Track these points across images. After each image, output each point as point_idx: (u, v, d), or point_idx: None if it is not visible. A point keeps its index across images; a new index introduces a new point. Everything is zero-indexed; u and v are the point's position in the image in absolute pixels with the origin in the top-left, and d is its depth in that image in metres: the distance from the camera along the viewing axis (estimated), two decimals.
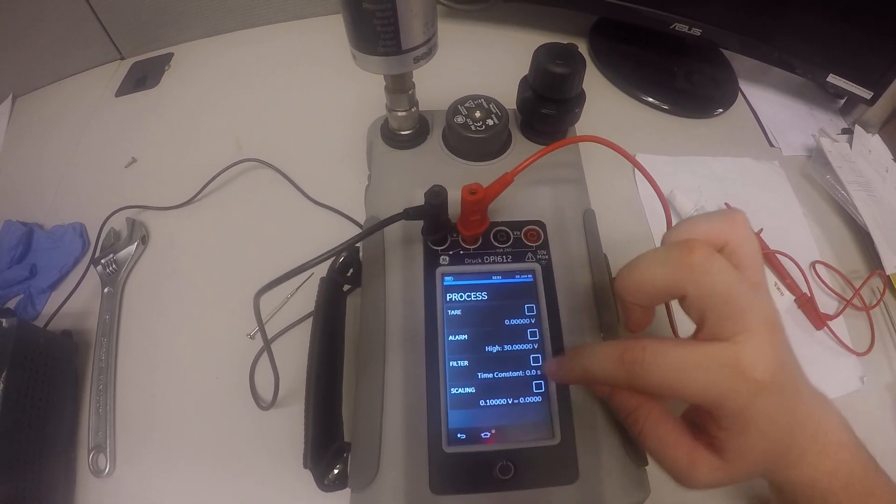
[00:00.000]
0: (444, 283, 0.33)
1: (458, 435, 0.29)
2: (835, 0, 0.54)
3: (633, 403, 0.27)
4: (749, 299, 0.23)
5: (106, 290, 0.47)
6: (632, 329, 0.29)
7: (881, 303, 0.49)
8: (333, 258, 0.35)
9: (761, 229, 0.51)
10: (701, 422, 0.26)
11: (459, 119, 0.36)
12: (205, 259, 0.49)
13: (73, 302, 0.46)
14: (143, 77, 0.64)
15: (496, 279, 0.33)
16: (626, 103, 0.64)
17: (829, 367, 0.46)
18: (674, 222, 0.29)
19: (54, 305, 0.46)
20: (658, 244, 0.27)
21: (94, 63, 0.66)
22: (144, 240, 0.50)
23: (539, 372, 0.31)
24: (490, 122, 0.36)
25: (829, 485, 0.26)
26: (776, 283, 0.49)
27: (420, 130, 0.38)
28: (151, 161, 0.56)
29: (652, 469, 0.28)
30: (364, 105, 0.44)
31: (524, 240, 0.34)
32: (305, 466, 0.30)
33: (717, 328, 0.23)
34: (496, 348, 0.31)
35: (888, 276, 0.50)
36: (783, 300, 0.48)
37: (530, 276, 0.33)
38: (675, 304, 0.27)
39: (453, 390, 0.30)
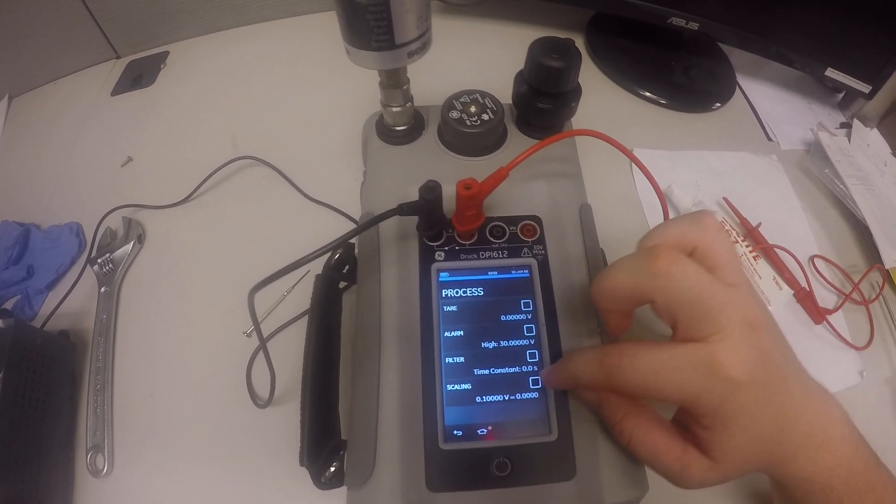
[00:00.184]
0: (440, 279, 0.32)
1: (455, 431, 0.29)
2: None
3: (620, 413, 0.27)
4: (722, 299, 0.23)
5: (103, 289, 0.47)
6: (611, 333, 0.30)
7: (880, 297, 0.49)
8: (329, 255, 0.35)
9: (759, 223, 0.51)
10: (686, 422, 0.26)
11: (454, 114, 0.36)
12: (201, 257, 0.49)
13: (70, 302, 0.46)
14: (139, 76, 0.64)
15: (492, 275, 0.33)
16: (624, 98, 0.63)
17: (829, 362, 0.46)
18: (671, 217, 0.29)
19: (51, 305, 0.45)
20: None
21: (89, 62, 0.65)
22: (141, 239, 0.50)
23: (535, 368, 0.30)
24: (485, 116, 0.36)
25: (829, 480, 0.25)
26: (774, 278, 0.49)
27: (415, 126, 0.38)
28: (147, 160, 0.56)
29: None
30: (359, 101, 0.44)
31: (520, 235, 0.34)
32: (302, 464, 0.30)
33: (691, 330, 0.24)
34: (492, 344, 0.31)
35: (887, 270, 0.50)
36: (782, 294, 0.48)
37: (526, 271, 0.33)
38: None
39: (449, 387, 0.30)
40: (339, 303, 0.37)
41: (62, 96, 0.63)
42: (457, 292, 0.32)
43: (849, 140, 0.60)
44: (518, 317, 0.32)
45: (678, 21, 0.60)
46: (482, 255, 0.33)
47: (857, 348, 0.46)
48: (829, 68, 0.58)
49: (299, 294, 0.46)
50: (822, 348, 0.46)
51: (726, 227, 0.50)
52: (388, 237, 0.34)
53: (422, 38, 0.30)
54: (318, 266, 0.34)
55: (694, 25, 0.60)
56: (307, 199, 0.52)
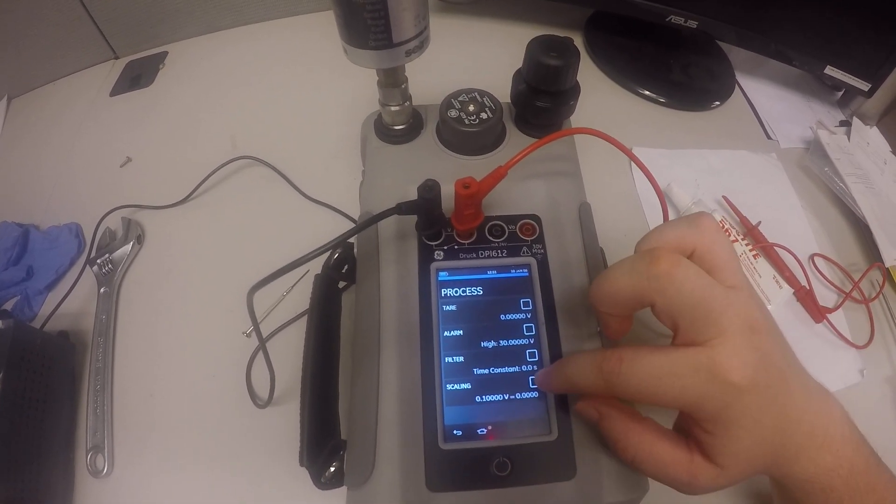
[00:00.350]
0: (439, 279, 0.32)
1: (455, 431, 0.29)
2: None
3: (621, 430, 0.26)
4: (722, 302, 0.23)
5: (102, 290, 0.47)
6: (611, 337, 0.29)
7: (880, 295, 0.49)
8: (328, 255, 0.35)
9: (759, 222, 0.51)
10: (687, 427, 0.26)
11: (453, 113, 0.36)
12: (200, 257, 0.49)
13: (70, 302, 0.46)
14: (138, 76, 0.64)
15: (491, 274, 0.33)
16: (623, 96, 0.63)
17: (829, 361, 0.46)
18: (671, 216, 0.29)
19: (51, 306, 0.45)
20: None
21: (88, 63, 0.65)
22: (140, 239, 0.50)
23: (535, 367, 0.30)
24: (484, 115, 0.36)
25: (830, 480, 0.25)
26: (774, 276, 0.48)
27: (414, 125, 0.38)
28: (147, 160, 0.56)
29: None
30: (358, 101, 0.44)
31: (519, 234, 0.34)
32: (302, 464, 0.30)
33: (691, 333, 0.23)
34: (492, 344, 0.31)
35: (887, 268, 0.49)
36: (782, 293, 0.48)
37: (526, 270, 0.33)
38: None
39: (449, 386, 0.30)
40: (339, 302, 0.37)
41: (61, 97, 0.63)
42: (456, 291, 0.32)
43: (848, 138, 0.60)
44: (517, 316, 0.32)
45: (677, 19, 0.60)
46: (481, 254, 0.33)
47: (857, 347, 0.46)
48: (828, 66, 0.58)
49: (298, 294, 0.46)
50: (822, 347, 0.46)
51: (726, 226, 0.50)
52: (387, 236, 0.34)
53: (420, 36, 0.30)
54: (317, 266, 0.34)
55: (693, 23, 0.60)
56: (306, 198, 0.52)
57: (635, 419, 0.26)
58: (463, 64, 0.62)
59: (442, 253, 0.33)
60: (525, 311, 0.32)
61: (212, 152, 0.54)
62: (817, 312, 0.47)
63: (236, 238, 0.50)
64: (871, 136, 0.62)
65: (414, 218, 0.33)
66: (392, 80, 0.34)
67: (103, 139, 0.58)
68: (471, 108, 0.36)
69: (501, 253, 0.33)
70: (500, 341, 0.31)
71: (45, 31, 0.60)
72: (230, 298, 0.45)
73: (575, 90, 0.37)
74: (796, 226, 0.54)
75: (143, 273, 0.49)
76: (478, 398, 0.30)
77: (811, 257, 0.51)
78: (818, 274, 0.50)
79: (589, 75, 0.65)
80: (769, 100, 0.66)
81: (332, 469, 0.31)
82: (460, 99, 0.36)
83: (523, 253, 0.33)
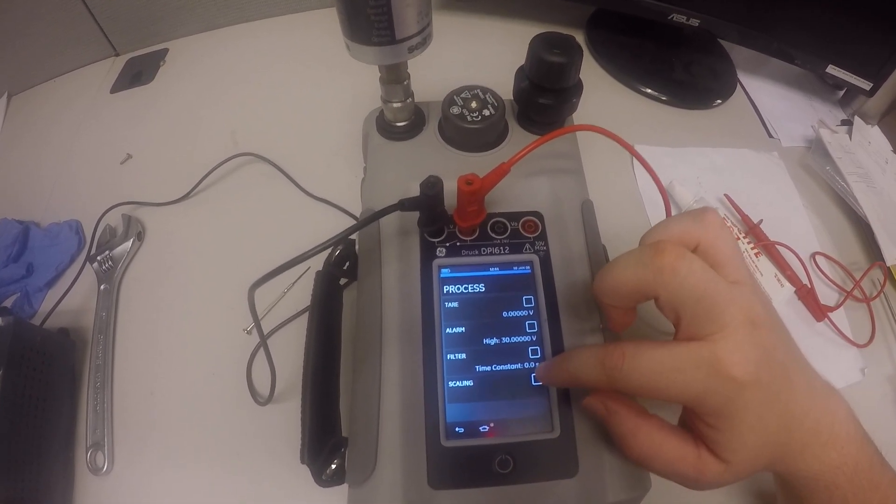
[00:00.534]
0: (441, 276, 0.32)
1: (457, 429, 0.29)
2: None
3: (628, 428, 0.26)
4: (726, 297, 0.23)
5: (102, 287, 0.46)
6: (614, 329, 0.29)
7: (881, 294, 0.49)
8: (329, 252, 0.35)
9: (761, 220, 0.51)
10: (691, 422, 0.25)
11: (455, 110, 0.36)
12: (201, 254, 0.49)
13: (70, 299, 0.46)
14: (139, 73, 0.63)
15: (494, 271, 0.33)
16: (625, 95, 0.63)
17: (830, 359, 0.46)
18: (673, 213, 0.29)
19: (51, 303, 0.45)
20: None
21: (88, 60, 0.65)
22: (140, 236, 0.50)
23: (537, 364, 0.30)
24: (486, 112, 0.35)
25: (834, 478, 0.25)
26: (776, 275, 0.48)
27: (416, 122, 0.38)
28: (147, 157, 0.56)
29: None
30: (360, 97, 0.44)
31: (522, 231, 0.34)
32: (303, 462, 0.29)
33: (694, 327, 0.23)
34: (494, 341, 0.31)
35: (888, 267, 0.49)
36: (783, 291, 0.48)
37: (528, 267, 0.33)
38: None
39: (451, 384, 0.30)
40: (340, 299, 0.37)
41: (61, 94, 0.63)
42: (458, 288, 0.32)
43: (850, 137, 0.60)
44: (520, 313, 0.32)
45: (679, 17, 0.60)
46: (484, 251, 0.33)
47: (858, 346, 0.46)
48: (830, 65, 0.58)
49: (300, 291, 0.46)
50: (823, 346, 0.46)
51: (728, 224, 0.50)
52: (389, 233, 0.34)
53: (422, 33, 0.30)
54: (318, 263, 0.33)
55: (695, 22, 0.60)
56: (307, 195, 0.52)
57: (643, 416, 0.26)
58: (465, 61, 0.62)
59: (444, 250, 0.33)
60: (527, 308, 0.32)
61: (212, 149, 0.54)
62: (818, 311, 0.47)
63: (237, 235, 0.50)
64: (872, 136, 0.61)
65: (416, 215, 0.32)
66: (394, 77, 0.34)
67: (104, 136, 0.58)
68: (473, 104, 0.36)
69: (504, 250, 0.33)
70: (503, 338, 0.31)
71: (46, 28, 0.60)
72: (231, 295, 0.45)
73: (578, 87, 0.37)
74: (798, 224, 0.54)
75: (143, 270, 0.48)
76: (480, 395, 0.30)
77: (812, 256, 0.51)
78: (819, 272, 0.50)
79: (590, 73, 0.65)
80: (771, 98, 0.66)
81: (334, 467, 0.31)
82: (463, 96, 0.36)
83: (526, 250, 0.33)
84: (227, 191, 0.53)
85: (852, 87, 0.58)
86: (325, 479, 0.30)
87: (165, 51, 0.66)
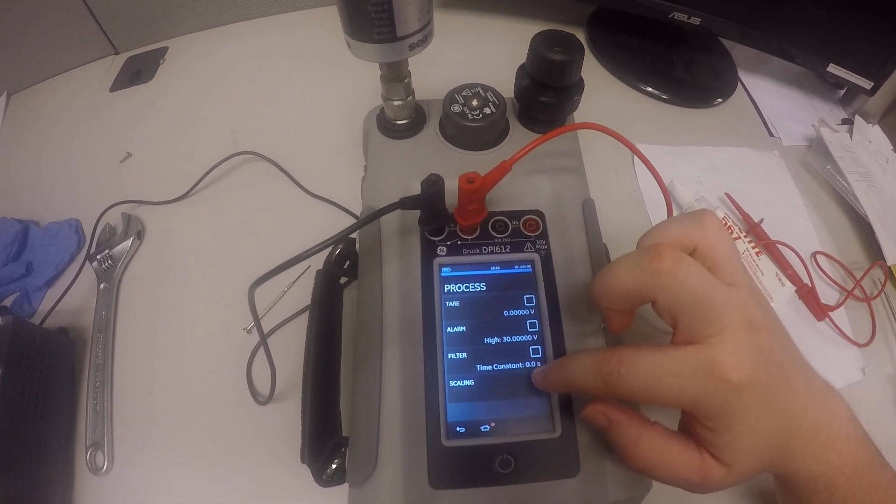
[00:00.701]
0: (442, 274, 0.32)
1: (457, 428, 0.29)
2: None
3: (631, 438, 0.26)
4: (723, 300, 0.23)
5: (102, 286, 0.46)
6: (613, 332, 0.29)
7: (882, 293, 0.49)
8: (330, 250, 0.35)
9: (762, 219, 0.51)
10: (690, 425, 0.25)
11: (456, 108, 0.35)
12: (201, 253, 0.49)
13: (70, 298, 0.46)
14: (138, 71, 0.63)
15: (495, 270, 0.33)
16: (625, 93, 0.63)
17: (831, 358, 0.46)
18: (675, 212, 0.29)
19: (50, 302, 0.45)
20: None
21: (88, 58, 0.65)
22: (140, 235, 0.50)
23: (539, 364, 0.30)
24: (487, 110, 0.35)
25: (834, 478, 0.25)
26: (777, 274, 0.48)
27: (416, 120, 0.38)
28: (147, 156, 0.56)
29: None
30: (360, 95, 0.43)
31: (523, 230, 0.34)
32: (303, 461, 0.29)
33: (691, 331, 0.23)
34: (495, 340, 0.31)
35: (889, 266, 0.49)
36: (784, 291, 0.48)
37: (529, 266, 0.33)
38: None
39: (452, 383, 0.30)
40: (341, 298, 0.37)
41: (61, 93, 0.63)
42: (459, 287, 0.32)
43: (850, 136, 0.60)
44: (521, 312, 0.31)
45: (680, 16, 0.60)
46: (485, 249, 0.33)
47: (859, 345, 0.46)
48: (830, 64, 0.58)
49: (300, 290, 0.46)
50: (824, 345, 0.46)
51: (728, 224, 0.50)
52: (390, 232, 0.34)
53: (423, 30, 0.30)
54: (318, 262, 0.33)
55: (696, 20, 0.60)
56: (307, 194, 0.52)
57: (645, 426, 0.26)
58: (466, 59, 0.62)
59: (445, 248, 0.33)
60: (528, 308, 0.32)
61: (212, 148, 0.54)
62: (819, 310, 0.47)
63: (237, 234, 0.50)
64: (873, 135, 0.61)
65: (416, 213, 0.32)
66: (395, 75, 0.34)
67: (103, 135, 0.58)
68: (474, 102, 0.36)
69: (505, 248, 0.33)
70: (504, 337, 0.31)
71: (45, 26, 0.59)
72: (231, 294, 0.45)
73: (579, 86, 0.36)
74: (798, 223, 0.54)
75: (143, 269, 0.48)
76: (481, 395, 0.29)
77: (813, 255, 0.51)
78: (820, 272, 0.50)
79: (591, 72, 0.65)
80: (772, 97, 0.66)
81: (334, 466, 0.30)
82: (464, 94, 0.36)
83: (527, 249, 0.33)
84: (227, 189, 0.53)
85: (853, 87, 0.58)
86: (325, 478, 0.30)
87: (165, 49, 0.66)
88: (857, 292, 0.48)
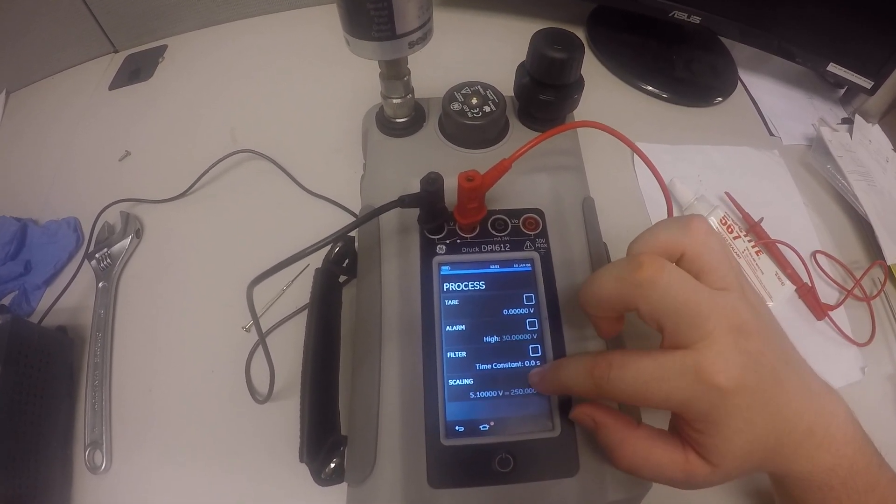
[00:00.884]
0: (441, 273, 0.32)
1: (456, 427, 0.29)
2: None
3: (616, 439, 0.26)
4: (708, 305, 0.23)
5: (100, 284, 0.46)
6: (603, 336, 0.30)
7: (882, 293, 0.49)
8: (329, 249, 0.35)
9: (762, 218, 0.51)
10: (679, 426, 0.26)
11: (456, 106, 0.35)
12: (200, 252, 0.49)
13: (68, 297, 0.45)
14: (137, 70, 0.63)
15: (494, 268, 0.32)
16: (625, 92, 0.63)
17: (830, 358, 0.46)
18: (674, 211, 0.29)
19: (49, 301, 0.45)
20: None
21: (87, 57, 0.65)
22: (139, 233, 0.49)
23: (538, 362, 0.30)
24: (487, 108, 0.35)
25: (828, 479, 0.25)
26: (777, 273, 0.48)
27: (416, 118, 0.37)
28: (146, 154, 0.56)
29: None
30: (359, 94, 0.43)
31: (522, 228, 0.34)
32: (302, 460, 0.29)
33: (677, 337, 0.24)
34: (494, 339, 0.31)
35: (889, 266, 0.49)
36: (784, 290, 0.48)
37: (529, 265, 0.33)
38: None
39: (451, 382, 0.30)
40: (339, 297, 0.37)
41: (60, 91, 0.63)
42: (458, 286, 0.32)
43: (850, 136, 0.60)
44: (520, 311, 0.31)
45: (680, 15, 0.59)
46: (484, 248, 0.33)
47: (858, 344, 0.46)
48: (831, 63, 0.58)
49: (299, 288, 0.46)
50: (823, 344, 0.46)
51: (728, 223, 0.50)
52: (389, 230, 0.34)
53: (423, 28, 0.30)
54: (317, 260, 0.33)
55: (696, 19, 0.59)
56: (306, 192, 0.52)
57: (630, 427, 0.26)
58: (466, 57, 0.62)
59: (444, 247, 0.33)
60: (528, 306, 0.32)
61: (211, 146, 0.54)
62: (819, 309, 0.47)
63: (236, 232, 0.50)
64: (873, 134, 0.61)
65: (416, 212, 0.32)
66: (394, 73, 0.34)
67: (102, 133, 0.58)
68: (474, 101, 0.36)
69: (504, 247, 0.33)
70: (503, 336, 0.31)
71: (44, 24, 0.59)
72: (230, 293, 0.45)
73: (579, 84, 0.36)
74: (798, 223, 0.54)
75: (141, 267, 0.48)
76: (480, 394, 0.29)
77: (813, 254, 0.51)
78: (820, 271, 0.50)
79: (591, 71, 0.65)
80: (772, 96, 0.66)
81: (333, 465, 0.30)
82: (463, 92, 0.36)
83: (526, 247, 0.33)
84: (226, 188, 0.53)
85: (853, 86, 0.58)
86: (324, 477, 0.30)
87: (164, 47, 0.66)
88: (856, 292, 0.48)
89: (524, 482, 0.28)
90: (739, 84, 0.66)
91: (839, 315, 0.47)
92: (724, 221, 0.49)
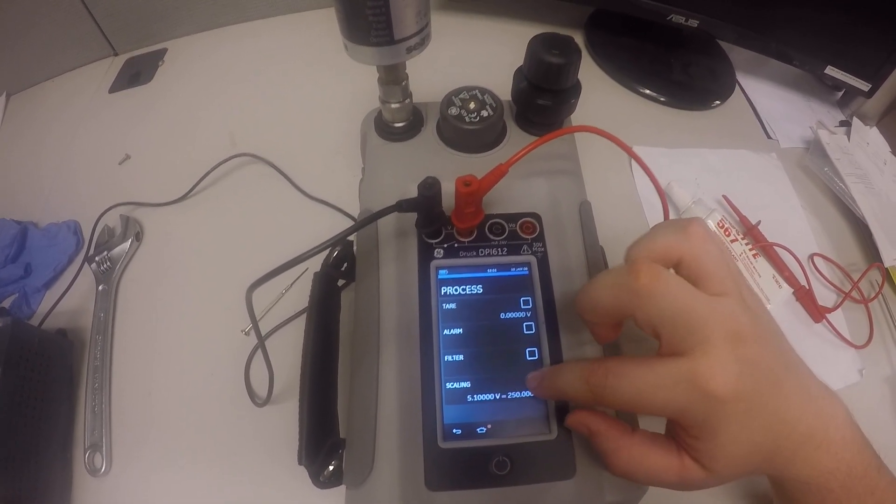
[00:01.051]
0: (439, 277, 0.32)
1: (454, 430, 0.29)
2: None
3: (611, 446, 0.27)
4: (705, 312, 0.23)
5: (100, 287, 0.46)
6: (600, 342, 0.30)
7: (879, 295, 0.49)
8: (327, 253, 0.35)
9: (759, 221, 0.51)
10: (675, 431, 0.26)
11: (454, 110, 0.36)
12: (199, 255, 0.49)
13: (68, 300, 0.46)
14: (137, 73, 0.63)
15: (491, 272, 0.33)
16: (623, 95, 0.63)
17: (828, 360, 0.46)
18: (672, 214, 0.29)
19: (49, 304, 0.45)
20: None
21: (87, 60, 0.65)
22: (139, 236, 0.50)
23: (535, 366, 0.30)
24: (485, 113, 0.35)
25: (826, 482, 0.25)
26: (774, 276, 0.48)
27: (414, 122, 0.38)
28: (145, 157, 0.56)
29: None
30: (358, 98, 0.44)
31: (519, 232, 0.34)
32: (300, 463, 0.29)
33: (673, 344, 0.24)
34: (491, 342, 0.31)
35: (886, 268, 0.49)
36: (781, 293, 0.48)
37: (526, 268, 0.33)
38: None
39: (448, 385, 0.30)
40: (338, 301, 0.37)
41: (60, 94, 0.63)
42: (456, 290, 0.32)
43: (848, 138, 0.60)
44: (517, 314, 0.32)
45: (678, 18, 0.60)
46: (481, 252, 0.33)
47: (856, 347, 0.46)
48: (828, 66, 0.58)
49: (297, 292, 0.46)
50: (821, 347, 0.46)
51: (726, 226, 0.50)
52: (387, 234, 0.34)
53: (421, 33, 0.30)
54: (316, 264, 0.33)
55: (693, 23, 0.60)
56: (305, 196, 0.52)
57: (625, 434, 0.27)
58: (464, 61, 0.62)
59: (442, 251, 0.33)
60: (525, 310, 0.32)
61: (211, 149, 0.54)
62: (816, 312, 0.47)
63: (235, 236, 0.50)
64: (870, 137, 0.62)
65: (414, 216, 0.32)
66: (393, 77, 0.34)
67: (102, 136, 0.58)
68: (471, 105, 0.36)
69: (502, 251, 0.33)
70: (500, 340, 0.31)
71: (45, 27, 0.60)
72: (229, 296, 0.45)
73: (576, 88, 0.37)
74: (796, 225, 0.54)
75: (141, 271, 0.48)
76: (477, 397, 0.30)
77: (811, 257, 0.51)
78: (818, 274, 0.50)
79: (589, 74, 0.65)
80: (769, 99, 0.66)
81: (331, 468, 0.30)
82: (461, 96, 0.36)
83: (524, 251, 0.33)
84: (225, 191, 0.53)
85: (851, 88, 0.58)
86: (322, 480, 0.30)
87: (164, 51, 0.66)
88: (854, 294, 0.48)
89: (521, 485, 0.28)
90: (737, 87, 0.66)
91: (837, 317, 0.47)
92: (721, 224, 0.49)
